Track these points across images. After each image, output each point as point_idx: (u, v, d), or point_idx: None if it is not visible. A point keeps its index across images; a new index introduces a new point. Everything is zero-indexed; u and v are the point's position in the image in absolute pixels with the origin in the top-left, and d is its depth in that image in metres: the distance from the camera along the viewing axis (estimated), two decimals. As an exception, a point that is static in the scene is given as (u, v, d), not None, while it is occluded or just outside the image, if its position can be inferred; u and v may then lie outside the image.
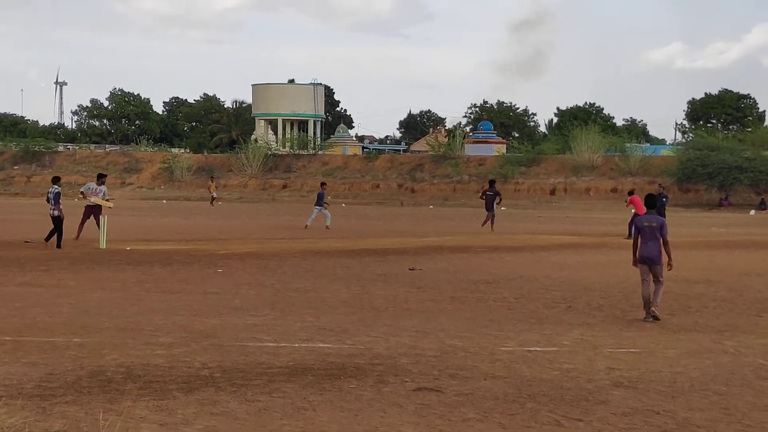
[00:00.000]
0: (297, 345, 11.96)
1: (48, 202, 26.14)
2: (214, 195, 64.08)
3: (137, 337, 12.30)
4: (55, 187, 26.47)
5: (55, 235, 25.75)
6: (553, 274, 21.28)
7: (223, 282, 18.82)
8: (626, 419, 8.70)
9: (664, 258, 15.17)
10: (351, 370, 10.46)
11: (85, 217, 28.20)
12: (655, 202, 15.88)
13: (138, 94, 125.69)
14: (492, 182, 40.75)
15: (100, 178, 29.42)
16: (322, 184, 42.09)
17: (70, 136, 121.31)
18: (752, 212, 63.26)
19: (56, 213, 25.79)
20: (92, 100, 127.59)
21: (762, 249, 30.00)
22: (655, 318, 14.72)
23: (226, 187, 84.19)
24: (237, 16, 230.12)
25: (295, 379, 10.01)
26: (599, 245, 30.51)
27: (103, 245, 26.02)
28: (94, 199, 28.12)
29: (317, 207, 38.34)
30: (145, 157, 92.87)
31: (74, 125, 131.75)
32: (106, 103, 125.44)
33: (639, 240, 15.35)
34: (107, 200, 28.54)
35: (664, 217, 34.94)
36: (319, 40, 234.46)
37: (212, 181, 67.81)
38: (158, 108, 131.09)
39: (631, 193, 35.49)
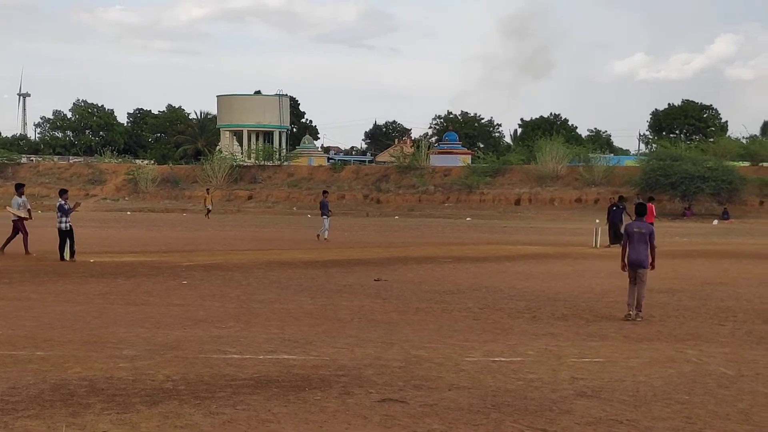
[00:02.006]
0: (262, 357, 11.93)
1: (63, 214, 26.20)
2: (209, 207, 62.78)
3: (100, 350, 12.21)
4: (60, 200, 26.46)
5: (67, 245, 25.88)
6: (518, 284, 21.36)
7: (188, 294, 18.74)
8: (590, 429, 8.75)
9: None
10: (316, 382, 10.45)
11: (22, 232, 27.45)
12: (644, 211, 17.02)
13: (102, 105, 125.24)
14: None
15: (19, 189, 28.36)
16: (324, 192, 41.95)
17: (33, 148, 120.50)
18: (715, 222, 63.81)
19: (64, 226, 25.88)
20: (55, 112, 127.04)
21: (724, 258, 30.27)
22: (630, 319, 15.81)
23: (191, 199, 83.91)
24: (202, 27, 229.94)
25: (260, 391, 9.98)
26: (564, 255, 30.66)
27: (66, 257, 25.83)
28: (15, 211, 27.38)
29: (324, 216, 38.20)
30: (109, 168, 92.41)
31: (37, 137, 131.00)
32: (69, 115, 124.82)
33: (628, 245, 16.36)
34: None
35: (622, 224, 35.77)
36: (285, 51, 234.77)
37: (208, 194, 66.46)
38: (122, 119, 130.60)
39: (650, 200, 36.73)
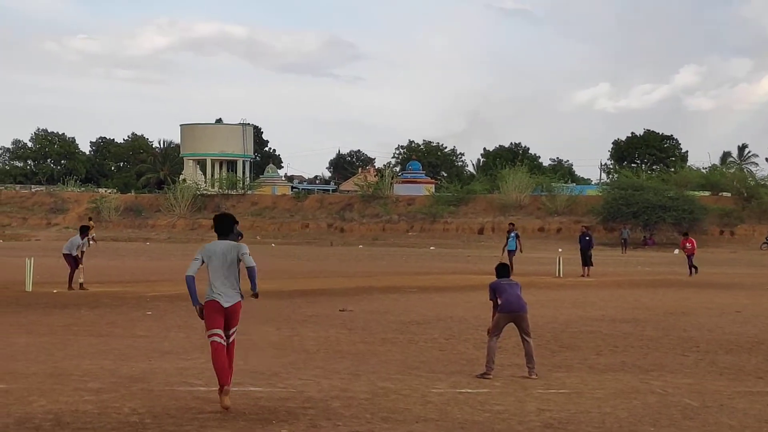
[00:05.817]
0: (228, 389, 11.86)
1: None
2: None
3: (65, 382, 12.11)
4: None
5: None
6: (483, 314, 21.32)
7: (153, 325, 18.63)
8: (557, 460, 8.78)
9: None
10: (283, 415, 10.42)
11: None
12: None
13: (63, 134, 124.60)
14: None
15: (83, 232, 28.53)
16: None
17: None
18: (676, 251, 64.18)
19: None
20: (14, 141, 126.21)
21: (687, 288, 30.50)
22: None
23: (154, 228, 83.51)
24: (166, 55, 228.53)
25: (227, 424, 9.94)
26: (527, 285, 30.67)
27: (29, 288, 25.63)
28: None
29: None
30: (71, 197, 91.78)
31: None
32: (29, 144, 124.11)
33: None
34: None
35: (590, 256, 35.97)
36: (248, 79, 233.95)
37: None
38: (85, 148, 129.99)
39: (685, 235, 39.60)
